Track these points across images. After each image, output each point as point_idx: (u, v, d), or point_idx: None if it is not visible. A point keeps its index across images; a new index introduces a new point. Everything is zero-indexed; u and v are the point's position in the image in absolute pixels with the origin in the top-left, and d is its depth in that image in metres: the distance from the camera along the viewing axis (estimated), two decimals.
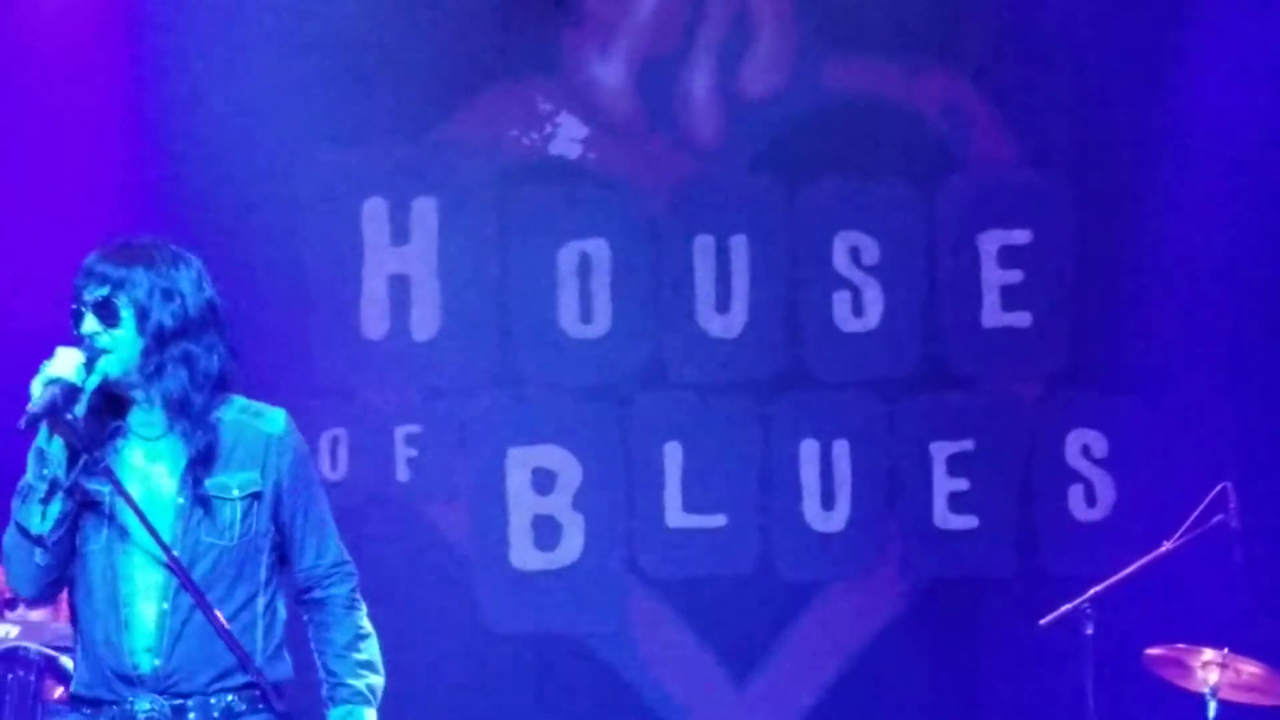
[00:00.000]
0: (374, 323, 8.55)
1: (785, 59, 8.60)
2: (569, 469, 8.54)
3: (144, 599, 4.38)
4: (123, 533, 4.39)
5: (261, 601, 4.47)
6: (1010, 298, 8.58)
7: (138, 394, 4.43)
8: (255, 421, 4.54)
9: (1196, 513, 6.97)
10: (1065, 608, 6.92)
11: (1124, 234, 8.50)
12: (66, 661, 6.23)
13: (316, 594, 4.58)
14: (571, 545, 8.52)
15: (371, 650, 4.59)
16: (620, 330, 8.58)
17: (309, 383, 8.43)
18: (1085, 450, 8.54)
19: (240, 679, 4.41)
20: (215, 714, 4.41)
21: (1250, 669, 6.87)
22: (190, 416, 4.42)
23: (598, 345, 8.58)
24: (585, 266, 8.58)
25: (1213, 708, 6.84)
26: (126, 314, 4.39)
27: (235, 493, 4.45)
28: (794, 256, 8.62)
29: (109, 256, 4.45)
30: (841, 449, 8.56)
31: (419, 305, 8.56)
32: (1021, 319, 8.58)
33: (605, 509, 8.54)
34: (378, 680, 4.58)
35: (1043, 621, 6.98)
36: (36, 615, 6.87)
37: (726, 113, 8.61)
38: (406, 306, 8.55)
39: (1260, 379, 8.44)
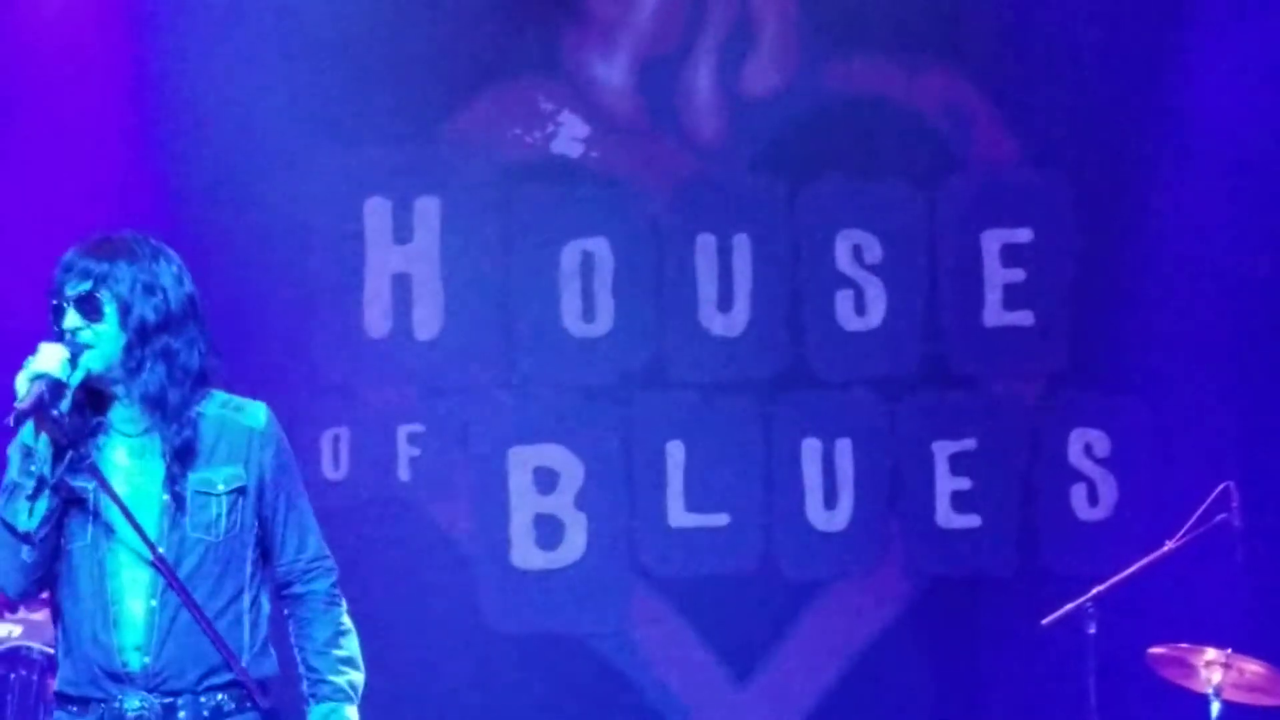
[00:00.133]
0: (376, 322, 8.54)
1: (787, 58, 8.60)
2: (571, 468, 8.53)
3: (132, 596, 4.37)
4: (108, 529, 4.38)
5: (247, 597, 4.47)
6: (1012, 297, 8.58)
7: (119, 389, 4.42)
8: (237, 416, 4.52)
9: (1199, 512, 6.98)
10: (1068, 607, 6.94)
11: (1126, 233, 8.50)
12: None
13: (297, 589, 4.57)
14: (573, 544, 8.52)
15: (352, 646, 4.59)
16: (622, 329, 8.57)
17: (311, 381, 8.44)
18: (1087, 449, 8.54)
19: (228, 676, 4.41)
20: (205, 713, 4.41)
21: (1253, 669, 6.85)
22: (165, 412, 4.40)
23: (600, 344, 8.57)
24: (587, 265, 8.58)
25: (1216, 708, 6.82)
26: (109, 309, 4.38)
27: (220, 488, 4.45)
28: (796, 255, 8.61)
29: (90, 251, 4.44)
30: (844, 448, 8.56)
31: (421, 304, 8.55)
32: (1024, 318, 8.57)
33: (607, 508, 8.53)
34: (359, 677, 4.58)
35: (1045, 621, 6.99)
36: (38, 615, 6.88)
37: (728, 112, 8.61)
38: (409, 305, 8.54)
39: (1262, 378, 8.44)
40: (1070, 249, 8.58)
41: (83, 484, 4.35)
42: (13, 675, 6.95)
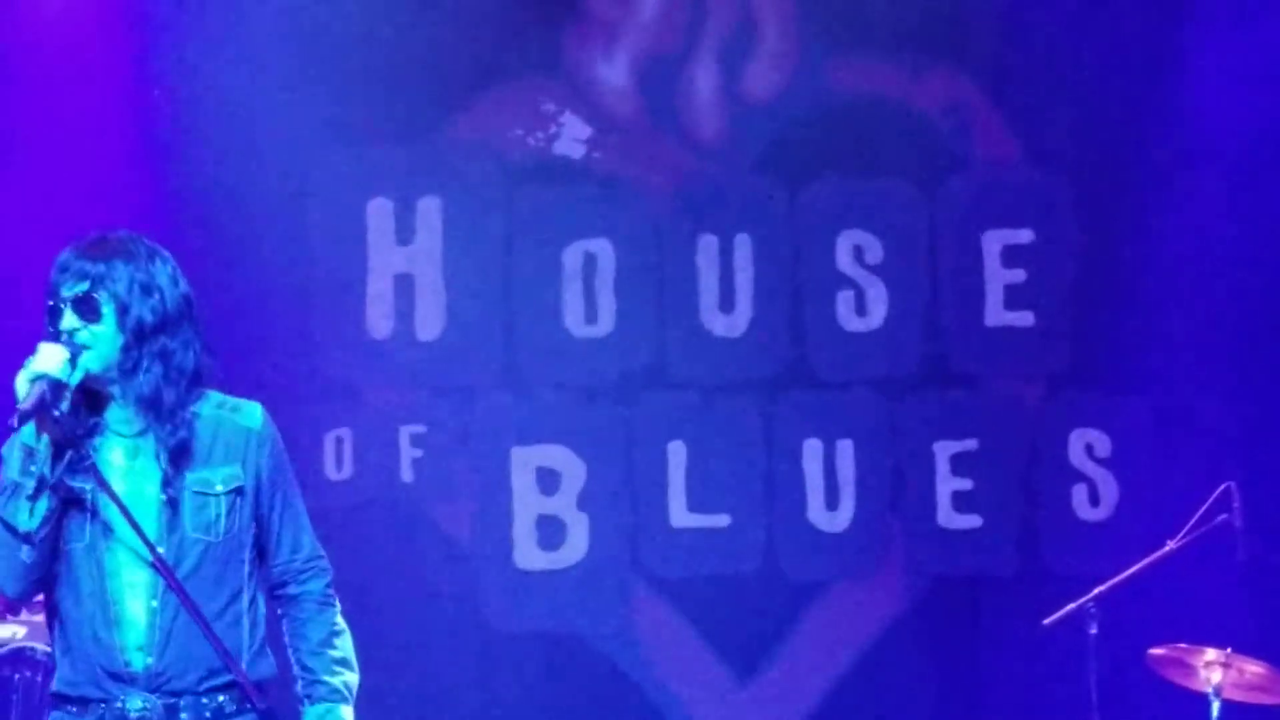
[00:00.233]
0: (379, 322, 8.56)
1: (788, 59, 8.61)
2: (573, 468, 8.54)
3: (132, 596, 4.38)
4: (106, 529, 4.38)
5: (246, 597, 4.47)
6: (1013, 297, 8.59)
7: (114, 390, 4.41)
8: (234, 416, 4.52)
9: (1200, 512, 6.98)
10: (1069, 607, 6.94)
11: (1126, 233, 8.50)
12: None
13: (291, 589, 4.57)
14: (575, 545, 8.53)
15: (346, 647, 4.58)
16: (624, 330, 8.59)
17: (314, 382, 8.44)
18: (1088, 450, 8.55)
19: (228, 677, 4.40)
20: (207, 714, 4.41)
21: (1253, 669, 6.86)
22: (160, 412, 4.39)
23: (602, 345, 8.59)
24: (589, 266, 8.59)
25: (1216, 707, 6.82)
26: (107, 310, 4.38)
27: (219, 488, 4.45)
28: (797, 256, 8.63)
29: (86, 251, 4.43)
30: (845, 448, 8.57)
31: (424, 305, 8.56)
32: (1024, 318, 8.58)
33: (609, 508, 8.54)
34: (353, 678, 4.57)
35: (1046, 621, 6.99)
36: (41, 617, 6.87)
37: (729, 113, 8.63)
38: (411, 306, 8.56)
39: (1263, 378, 8.44)
40: (1071, 249, 8.59)
41: (81, 484, 4.35)
42: (17, 676, 6.99)
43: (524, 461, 8.55)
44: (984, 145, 8.61)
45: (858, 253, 8.60)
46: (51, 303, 4.40)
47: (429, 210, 8.58)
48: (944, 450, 8.56)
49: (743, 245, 8.61)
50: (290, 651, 4.57)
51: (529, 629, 8.50)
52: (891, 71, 8.57)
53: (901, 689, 8.48)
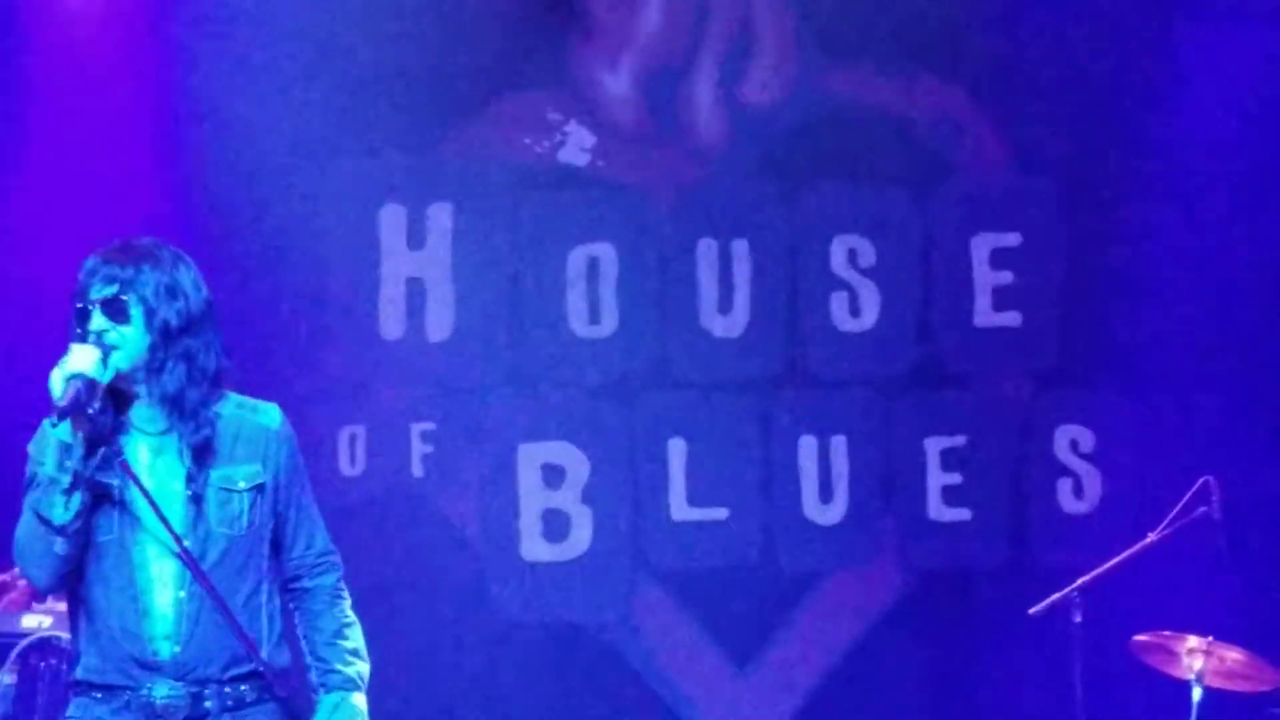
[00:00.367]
0: (391, 324, 8.60)
1: (786, 69, 8.65)
2: (577, 464, 8.58)
3: (160, 587, 4.42)
4: (134, 523, 4.41)
5: (265, 590, 4.52)
6: (1001, 298, 8.62)
7: (140, 390, 4.45)
8: (254, 416, 4.57)
9: (1180, 505, 7.01)
10: (1054, 597, 6.94)
11: (1111, 236, 8.53)
12: None
13: (305, 583, 4.63)
14: (580, 537, 8.56)
15: (357, 638, 4.64)
16: (626, 331, 8.62)
17: (329, 382, 8.48)
18: (1073, 445, 8.58)
19: (249, 667, 4.45)
20: (230, 702, 4.46)
21: (1233, 655, 6.91)
22: (183, 411, 4.44)
23: (605, 345, 8.63)
24: (593, 269, 8.62)
25: (1197, 693, 6.88)
26: (135, 311, 4.41)
27: (242, 485, 4.50)
28: (793, 259, 8.64)
29: (114, 256, 4.47)
30: (839, 445, 8.61)
31: (434, 307, 8.61)
32: (1012, 319, 8.61)
33: (612, 503, 8.57)
34: (365, 667, 4.62)
35: (1033, 610, 7.00)
36: (65, 606, 6.97)
37: (729, 121, 8.66)
38: (422, 308, 8.59)
39: (1241, 376, 8.47)
40: (1057, 252, 8.62)
41: (111, 479, 4.38)
42: (43, 664, 7.10)
43: (530, 457, 8.58)
44: (973, 152, 8.62)
45: (852, 256, 8.63)
46: (80, 305, 4.43)
47: (439, 216, 8.63)
48: (934, 446, 8.60)
49: (741, 249, 8.64)
50: (304, 643, 4.62)
51: (534, 618, 8.53)
52: (885, 82, 8.60)
53: (894, 675, 8.50)
